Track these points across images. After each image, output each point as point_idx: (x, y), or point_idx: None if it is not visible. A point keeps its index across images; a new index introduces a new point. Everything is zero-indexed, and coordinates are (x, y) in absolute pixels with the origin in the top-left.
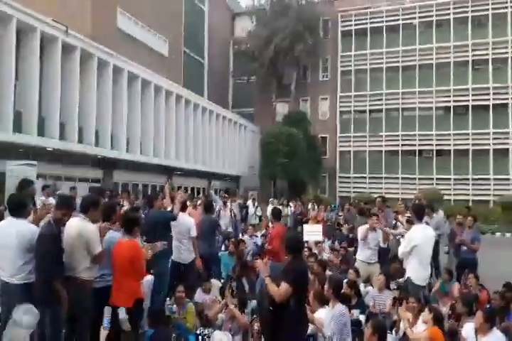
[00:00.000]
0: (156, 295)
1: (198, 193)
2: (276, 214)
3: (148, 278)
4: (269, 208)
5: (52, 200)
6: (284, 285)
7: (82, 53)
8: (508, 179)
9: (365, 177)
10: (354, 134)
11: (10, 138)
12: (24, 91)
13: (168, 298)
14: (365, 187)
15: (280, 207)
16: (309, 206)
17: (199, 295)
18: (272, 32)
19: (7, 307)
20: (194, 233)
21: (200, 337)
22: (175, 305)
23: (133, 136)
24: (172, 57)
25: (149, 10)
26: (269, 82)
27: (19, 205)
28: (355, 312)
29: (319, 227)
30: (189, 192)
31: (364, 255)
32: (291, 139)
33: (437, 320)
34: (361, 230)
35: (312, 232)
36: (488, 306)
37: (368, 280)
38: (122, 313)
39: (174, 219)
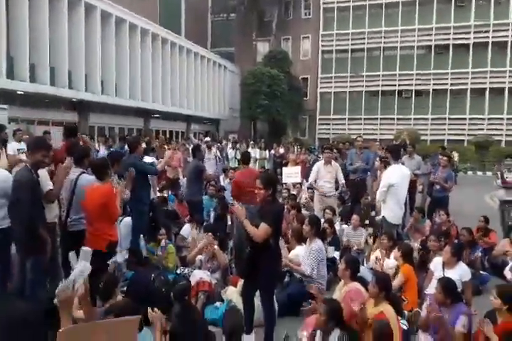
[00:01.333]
0: (134, 237)
1: (177, 137)
2: (245, 158)
3: (127, 219)
4: (251, 151)
5: (24, 145)
6: (264, 226)
7: None
8: (483, 119)
9: (344, 119)
10: (335, 74)
11: None
12: None
13: (146, 240)
14: (344, 129)
15: (258, 150)
16: (294, 148)
17: (186, 230)
18: None
19: None
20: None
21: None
22: (155, 247)
23: (108, 77)
24: None
25: None
26: (250, 19)
27: None
28: (331, 249)
29: (297, 169)
30: (167, 135)
31: (321, 188)
32: (272, 80)
33: (406, 255)
34: (316, 165)
35: (290, 174)
36: (456, 241)
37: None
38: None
39: (156, 174)
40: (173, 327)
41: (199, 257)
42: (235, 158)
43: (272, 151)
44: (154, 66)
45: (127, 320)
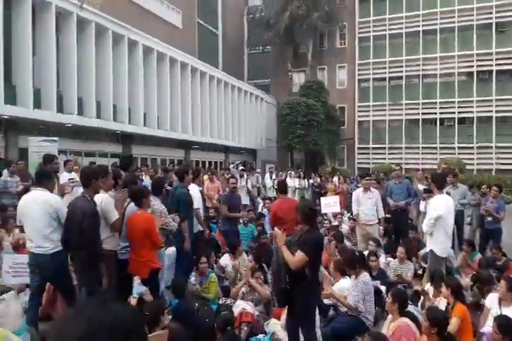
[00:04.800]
0: (179, 267)
1: (215, 167)
2: (281, 188)
3: (171, 250)
4: (288, 181)
5: (74, 175)
6: (300, 255)
7: (96, 27)
8: None
9: (384, 148)
10: (373, 103)
11: (31, 114)
12: (41, 67)
13: (191, 269)
14: (384, 158)
15: (297, 180)
16: (335, 179)
17: (225, 259)
18: None
19: (39, 277)
20: (197, 205)
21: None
22: (197, 276)
23: (149, 110)
24: (186, 28)
25: None
26: (285, 51)
27: (44, 176)
28: (376, 283)
29: (336, 198)
30: (206, 166)
31: (362, 216)
32: (308, 110)
33: (456, 293)
34: (355, 194)
35: (329, 204)
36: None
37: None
38: (139, 288)
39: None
40: None
41: (242, 289)
42: (273, 187)
43: (311, 181)
44: (193, 98)
45: (158, 335)
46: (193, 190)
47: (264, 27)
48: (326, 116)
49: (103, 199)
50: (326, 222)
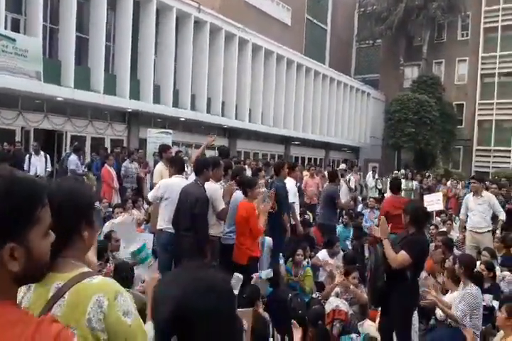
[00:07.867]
0: (274, 256)
1: (316, 163)
2: (394, 185)
3: (267, 239)
4: None
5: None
6: (404, 254)
7: (211, 27)
8: None
9: (509, 151)
10: (498, 101)
11: (150, 108)
12: (162, 66)
13: (285, 260)
14: (508, 162)
15: (404, 181)
16: (448, 182)
17: (322, 254)
18: None
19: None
20: (292, 199)
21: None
22: (292, 267)
23: (255, 106)
24: (294, 25)
25: None
26: (398, 44)
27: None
28: (488, 297)
29: (439, 195)
30: (306, 162)
31: (471, 222)
32: (420, 107)
33: None
34: (465, 198)
35: (432, 201)
36: None
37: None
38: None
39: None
40: None
41: (336, 289)
42: (376, 187)
43: (422, 183)
44: (297, 94)
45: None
46: (289, 183)
47: (376, 20)
48: (441, 114)
49: (212, 188)
50: (432, 227)
